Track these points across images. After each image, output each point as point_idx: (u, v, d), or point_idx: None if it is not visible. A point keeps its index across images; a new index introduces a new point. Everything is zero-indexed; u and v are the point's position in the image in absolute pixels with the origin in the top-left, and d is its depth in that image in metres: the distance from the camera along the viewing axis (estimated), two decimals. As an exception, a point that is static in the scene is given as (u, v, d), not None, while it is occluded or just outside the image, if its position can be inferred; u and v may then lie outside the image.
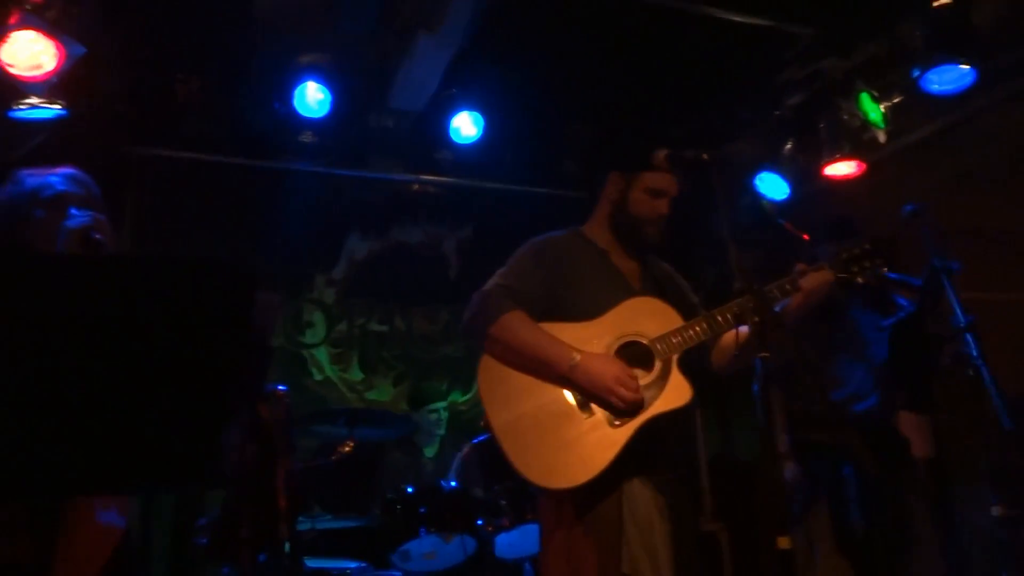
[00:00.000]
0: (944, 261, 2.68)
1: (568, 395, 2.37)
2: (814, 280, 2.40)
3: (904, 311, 3.37)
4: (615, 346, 2.42)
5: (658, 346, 2.40)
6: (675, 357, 2.38)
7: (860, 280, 2.37)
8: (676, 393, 2.35)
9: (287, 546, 2.73)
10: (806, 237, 3.06)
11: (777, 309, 2.40)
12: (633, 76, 4.78)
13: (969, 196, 3.96)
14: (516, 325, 2.42)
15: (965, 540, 3.50)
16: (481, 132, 4.95)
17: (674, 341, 2.39)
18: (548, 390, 2.39)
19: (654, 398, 2.34)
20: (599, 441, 2.31)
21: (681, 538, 2.39)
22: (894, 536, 3.06)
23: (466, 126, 4.95)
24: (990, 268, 3.61)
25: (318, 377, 5.33)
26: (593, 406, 2.35)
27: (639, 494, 2.34)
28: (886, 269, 2.33)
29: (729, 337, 2.52)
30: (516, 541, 3.73)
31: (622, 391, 2.30)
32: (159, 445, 1.16)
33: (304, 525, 3.53)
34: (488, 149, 5.14)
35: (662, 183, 2.56)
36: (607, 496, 2.33)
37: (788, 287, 2.41)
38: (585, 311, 2.48)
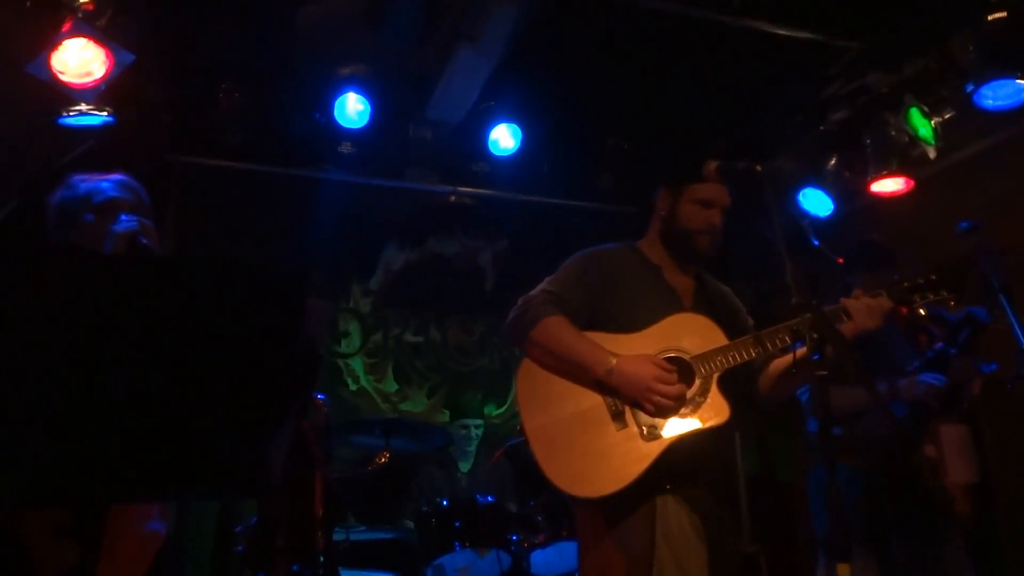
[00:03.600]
0: (1002, 281, 2.57)
1: (604, 403, 2.34)
2: (871, 308, 2.26)
3: (933, 351, 3.16)
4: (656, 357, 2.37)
5: (699, 363, 2.35)
6: (715, 375, 2.33)
7: (922, 313, 2.24)
8: (713, 411, 2.30)
9: (322, 557, 2.72)
10: (840, 260, 2.94)
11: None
12: (674, 90, 4.72)
13: (1021, 215, 3.85)
14: (556, 329, 2.40)
15: None
16: (519, 145, 4.94)
17: (717, 360, 2.34)
18: (584, 396, 2.36)
19: (690, 414, 2.30)
20: (630, 453, 2.27)
21: (719, 560, 2.32)
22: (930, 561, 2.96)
23: (504, 138, 4.94)
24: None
25: (353, 387, 5.34)
26: (628, 417, 2.31)
27: (673, 511, 2.27)
28: (953, 303, 2.18)
29: (779, 364, 2.45)
30: (552, 558, 3.70)
31: (661, 387, 2.26)
32: (207, 452, 1.14)
33: (338, 535, 3.52)
34: (525, 162, 5.13)
35: (711, 193, 2.52)
36: (638, 510, 2.28)
37: (841, 314, 2.29)
38: (629, 324, 2.44)
